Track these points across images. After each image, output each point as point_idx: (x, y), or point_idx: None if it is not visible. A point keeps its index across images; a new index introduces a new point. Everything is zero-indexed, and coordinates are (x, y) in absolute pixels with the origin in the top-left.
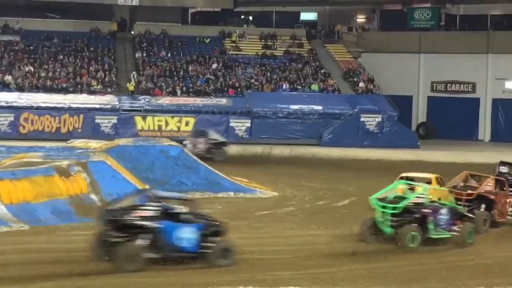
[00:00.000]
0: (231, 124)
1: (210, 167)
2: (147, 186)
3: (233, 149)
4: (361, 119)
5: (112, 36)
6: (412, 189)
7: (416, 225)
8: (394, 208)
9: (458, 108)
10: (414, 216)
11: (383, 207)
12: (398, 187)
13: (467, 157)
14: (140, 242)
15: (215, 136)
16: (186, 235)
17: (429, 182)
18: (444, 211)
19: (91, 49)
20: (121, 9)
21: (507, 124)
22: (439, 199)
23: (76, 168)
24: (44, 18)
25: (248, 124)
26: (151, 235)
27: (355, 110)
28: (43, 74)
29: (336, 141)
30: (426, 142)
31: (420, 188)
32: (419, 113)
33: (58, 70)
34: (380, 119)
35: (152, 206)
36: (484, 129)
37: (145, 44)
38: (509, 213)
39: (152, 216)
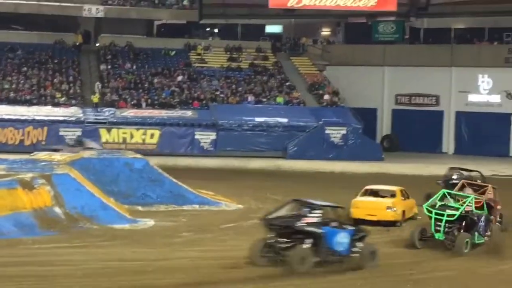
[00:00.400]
0: (196, 137)
1: (174, 180)
2: (111, 199)
3: (199, 162)
4: (326, 132)
5: (77, 48)
6: (453, 197)
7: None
8: (451, 216)
9: (422, 121)
10: (465, 223)
11: (439, 214)
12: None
13: (431, 169)
14: (306, 246)
15: (92, 145)
16: (341, 239)
17: (393, 195)
18: (483, 218)
19: (56, 61)
20: (86, 21)
21: (470, 136)
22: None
23: (40, 181)
24: (7, 30)
25: (213, 137)
26: (315, 240)
27: (320, 122)
28: (6, 86)
29: (301, 154)
30: (390, 155)
31: (469, 197)
32: (384, 126)
33: (22, 82)
34: (344, 132)
35: (315, 213)
36: (448, 142)
37: (110, 56)
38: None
39: (316, 222)
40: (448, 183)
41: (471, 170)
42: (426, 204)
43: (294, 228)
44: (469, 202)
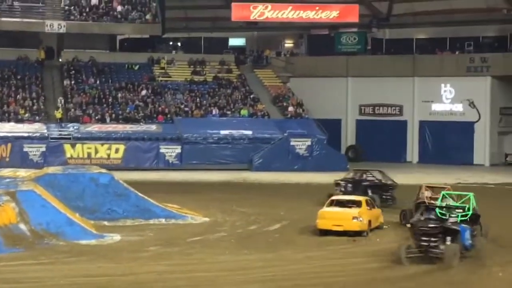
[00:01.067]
0: (161, 151)
1: (140, 194)
2: (76, 214)
3: (165, 176)
4: (291, 143)
5: (40, 64)
6: (452, 198)
7: None
8: (464, 216)
9: (386, 131)
10: (470, 219)
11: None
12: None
13: (396, 179)
14: (448, 243)
15: None
16: (468, 235)
17: (359, 204)
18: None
19: (19, 77)
20: (49, 36)
21: (434, 145)
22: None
23: (5, 198)
24: None
25: (179, 150)
26: (453, 237)
27: (285, 134)
28: None
29: (266, 166)
30: (355, 165)
31: (469, 195)
32: (348, 136)
33: None
34: (309, 143)
35: (454, 214)
36: (412, 151)
37: (73, 71)
38: None
39: (456, 222)
40: (361, 184)
41: (372, 170)
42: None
43: (445, 227)
44: (472, 201)
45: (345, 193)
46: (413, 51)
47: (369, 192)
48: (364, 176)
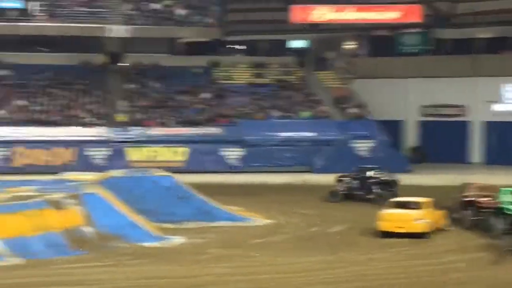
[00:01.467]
0: (223, 153)
1: (203, 197)
2: (140, 217)
3: (226, 178)
4: (353, 145)
5: (103, 68)
6: None
7: None
8: None
9: (448, 132)
10: None
11: None
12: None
13: (459, 180)
14: None
15: None
16: None
17: (421, 206)
18: None
19: (82, 81)
20: (111, 41)
21: (498, 146)
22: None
23: (70, 201)
24: (34, 52)
25: (240, 153)
26: None
27: (347, 136)
28: (34, 108)
29: (328, 168)
30: (418, 167)
31: None
32: (410, 138)
33: (50, 103)
34: (371, 145)
35: None
36: (476, 152)
37: (136, 75)
38: None
39: None
40: (367, 180)
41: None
42: (506, 204)
43: None
44: None
45: (349, 189)
46: (475, 51)
47: (376, 188)
48: (368, 173)
